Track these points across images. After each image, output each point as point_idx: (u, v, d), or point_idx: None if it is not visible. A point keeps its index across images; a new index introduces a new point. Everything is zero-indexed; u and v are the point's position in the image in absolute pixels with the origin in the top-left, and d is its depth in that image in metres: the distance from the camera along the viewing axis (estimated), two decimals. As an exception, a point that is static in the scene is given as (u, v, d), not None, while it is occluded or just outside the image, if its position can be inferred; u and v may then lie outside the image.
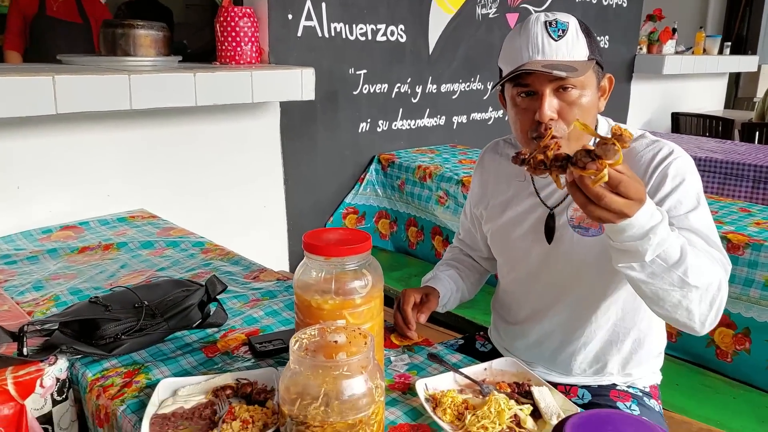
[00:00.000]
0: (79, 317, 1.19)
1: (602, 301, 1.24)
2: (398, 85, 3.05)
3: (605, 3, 4.11)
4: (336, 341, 0.98)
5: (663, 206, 1.08)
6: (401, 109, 3.10)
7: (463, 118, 3.43)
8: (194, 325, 1.27)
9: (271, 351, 1.21)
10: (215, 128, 2.38)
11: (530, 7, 3.59)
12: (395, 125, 3.10)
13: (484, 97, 3.50)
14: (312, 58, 2.60)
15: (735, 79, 6.40)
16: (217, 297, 1.33)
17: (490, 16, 3.39)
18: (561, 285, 1.27)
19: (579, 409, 0.96)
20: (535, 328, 1.34)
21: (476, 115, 3.49)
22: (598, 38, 4.15)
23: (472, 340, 1.53)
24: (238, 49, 2.32)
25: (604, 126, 1.25)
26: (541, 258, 1.27)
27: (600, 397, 1.28)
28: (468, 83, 3.38)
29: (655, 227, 0.91)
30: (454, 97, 3.33)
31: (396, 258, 2.91)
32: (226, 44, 2.32)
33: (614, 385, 1.30)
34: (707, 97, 5.72)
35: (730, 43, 5.67)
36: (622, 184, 0.85)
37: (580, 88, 1.11)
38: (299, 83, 2.29)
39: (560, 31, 1.10)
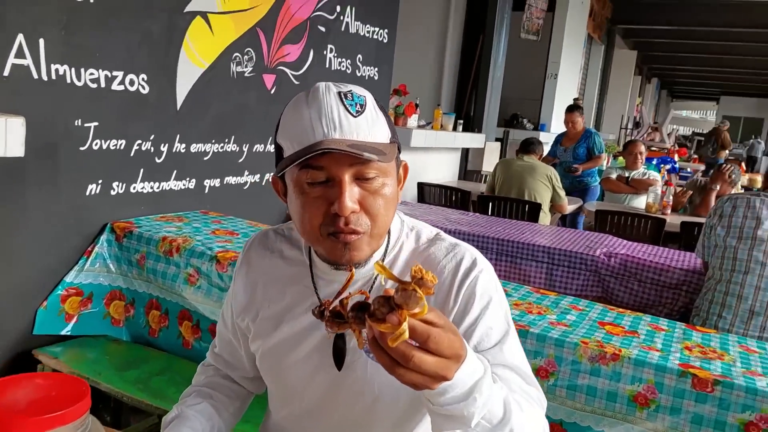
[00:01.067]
0: None
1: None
2: (139, 141, 2.61)
3: (359, 74, 4.18)
4: None
5: (472, 335, 0.94)
6: (142, 170, 2.66)
7: (216, 182, 3.09)
8: None
9: None
10: None
11: (287, 71, 3.45)
12: (134, 188, 2.64)
13: (240, 160, 3.22)
14: (23, 104, 2.06)
15: (465, 153, 7.09)
16: None
17: (246, 74, 3.15)
18: (351, 424, 1.02)
19: None
20: None
21: (231, 179, 3.18)
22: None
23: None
24: None
25: (396, 222, 1.06)
26: (327, 389, 1.02)
27: None
28: (222, 144, 3.07)
29: (479, 383, 0.74)
30: (206, 158, 2.99)
31: (133, 351, 2.40)
32: None
33: None
34: (445, 169, 6.21)
35: (462, 121, 6.29)
36: (432, 338, 0.67)
37: (383, 176, 0.94)
38: (2, 136, 1.76)
39: (358, 106, 0.92)
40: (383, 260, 1.03)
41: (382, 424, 1.01)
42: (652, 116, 21.21)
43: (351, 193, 0.91)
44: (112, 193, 2.54)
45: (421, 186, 5.25)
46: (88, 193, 2.43)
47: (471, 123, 7.08)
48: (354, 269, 0.86)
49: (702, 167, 11.10)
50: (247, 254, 1.14)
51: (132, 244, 2.46)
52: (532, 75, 9.17)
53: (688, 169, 10.43)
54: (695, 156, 13.82)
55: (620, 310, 2.16)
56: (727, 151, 12.83)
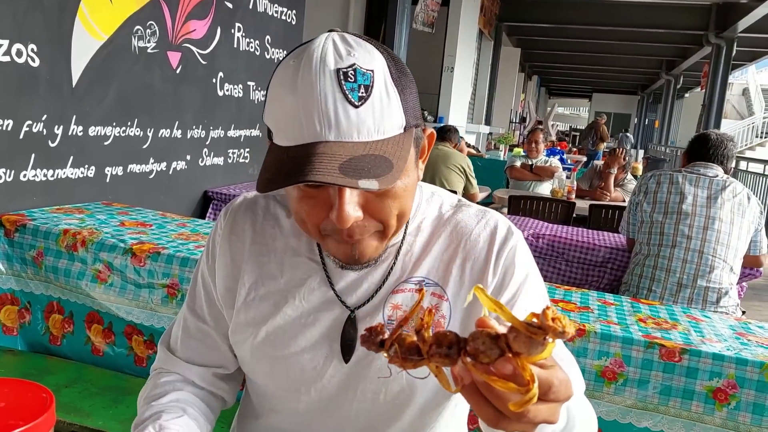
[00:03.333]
0: None
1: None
2: (29, 122, 2.27)
3: (268, 57, 3.95)
4: None
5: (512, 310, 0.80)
6: (34, 155, 2.31)
7: (119, 170, 2.77)
8: None
9: None
10: None
11: (194, 49, 3.18)
12: (24, 175, 2.29)
13: (144, 146, 2.91)
14: None
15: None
16: None
17: (149, 50, 2.85)
18: (368, 421, 0.87)
19: None
20: None
21: (135, 167, 2.87)
22: (263, 92, 3.95)
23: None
24: None
25: (415, 193, 0.88)
26: (338, 384, 0.85)
27: None
28: (124, 127, 2.75)
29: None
30: (106, 143, 2.67)
31: (31, 362, 2.06)
32: None
33: None
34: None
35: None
36: (553, 390, 0.54)
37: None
38: None
39: (362, 89, 0.70)
40: (404, 236, 0.88)
41: (404, 418, 0.86)
42: (536, 112, 22.29)
43: (351, 202, 0.73)
44: (-2, 181, 2.18)
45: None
46: (-32, 182, 2.07)
47: (374, 114, 7.02)
48: (424, 289, 0.69)
49: (584, 158, 11.73)
50: (232, 222, 0.93)
51: (26, 239, 2.13)
52: (430, 68, 9.26)
53: (569, 161, 10.98)
54: (575, 149, 14.63)
55: (566, 287, 2.14)
56: (605, 143, 13.66)
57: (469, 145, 8.94)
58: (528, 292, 0.86)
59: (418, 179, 0.83)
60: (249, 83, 3.80)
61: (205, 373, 0.96)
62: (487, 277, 0.85)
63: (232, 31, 3.52)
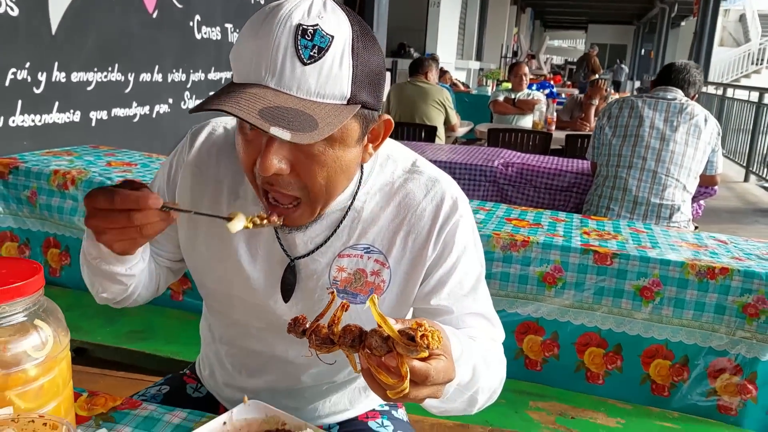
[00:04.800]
0: None
1: (346, 368, 1.04)
2: (13, 70, 2.38)
3: (253, 2, 4.01)
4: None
5: (447, 282, 0.94)
6: (20, 101, 2.44)
7: (104, 114, 2.90)
8: None
9: None
10: None
11: (170, -7, 3.25)
12: (13, 121, 2.42)
13: (126, 90, 3.03)
14: None
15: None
16: None
17: (126, -4, 2.93)
18: (296, 355, 1.01)
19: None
20: (270, 389, 1.06)
21: (118, 111, 2.99)
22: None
23: (181, 385, 1.18)
24: None
25: (370, 165, 0.95)
26: (275, 319, 0.97)
27: (351, 423, 1.10)
28: (105, 73, 2.86)
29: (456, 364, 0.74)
30: (89, 88, 2.78)
31: (33, 290, 2.27)
32: None
33: (366, 412, 1.13)
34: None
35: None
36: (430, 379, 0.66)
37: (329, 142, 0.79)
38: None
39: (315, 49, 0.72)
40: (353, 201, 0.93)
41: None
42: (528, 46, 22.03)
43: (278, 154, 0.77)
44: (-11, 127, 2.32)
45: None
46: (-40, 128, 2.21)
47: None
48: (335, 294, 0.75)
49: (576, 91, 11.75)
50: (197, 149, 0.98)
51: (20, 180, 2.28)
52: (416, 4, 9.19)
53: (563, 95, 11.00)
54: (569, 82, 14.59)
55: (523, 207, 2.31)
56: (597, 75, 13.62)
57: (456, 82, 8.98)
58: (464, 265, 0.94)
59: (361, 160, 0.87)
60: (227, 25, 3.87)
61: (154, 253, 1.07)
62: (427, 250, 0.92)
63: (208, -27, 3.57)
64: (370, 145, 0.88)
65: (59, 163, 2.35)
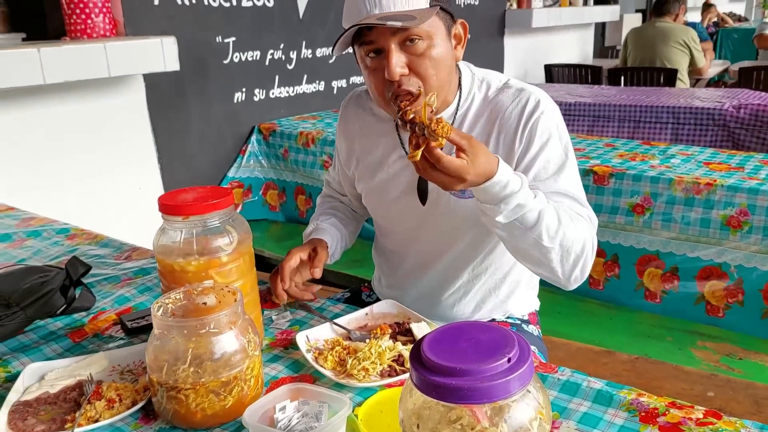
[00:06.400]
0: None
1: (479, 255, 1.27)
2: (271, 51, 2.96)
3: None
4: (205, 303, 0.94)
5: (532, 167, 1.12)
6: (277, 77, 3.02)
7: (343, 83, 3.39)
8: (58, 312, 1.18)
9: (144, 327, 1.15)
10: (73, 108, 2.21)
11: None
12: (273, 93, 3.02)
13: (362, 60, 3.48)
14: (173, 26, 2.47)
15: (601, 29, 6.75)
16: (83, 280, 1.24)
17: (359, -24, 3.35)
18: (439, 243, 1.27)
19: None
20: (415, 282, 1.35)
21: (356, 79, 3.47)
22: (468, -5, 4.23)
23: (358, 292, 1.52)
24: (89, 21, 2.16)
25: (467, 76, 1.21)
26: (418, 220, 1.26)
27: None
28: (344, 46, 3.34)
29: (510, 196, 0.97)
30: (331, 61, 3.29)
31: (288, 228, 2.87)
32: (74, 17, 2.15)
33: (493, 319, 1.34)
34: (576, 48, 6.02)
35: (593, -5, 5.97)
36: (441, 163, 0.91)
37: (427, 39, 1.06)
38: (160, 53, 2.17)
39: None
40: (456, 112, 1.19)
41: (461, 243, 1.24)
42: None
43: (398, 59, 1.04)
44: (255, 99, 2.94)
45: (549, 67, 5.18)
46: (235, 101, 2.85)
47: (606, -4, 6.69)
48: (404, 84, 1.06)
49: None
50: (344, 112, 1.34)
51: (276, 141, 2.87)
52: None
53: None
54: None
55: (735, 152, 2.18)
56: None
57: (724, 17, 7.95)
58: (549, 150, 1.12)
59: (455, 58, 1.13)
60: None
61: (345, 199, 1.48)
62: (515, 143, 1.14)
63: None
64: (458, 46, 1.14)
65: (305, 126, 2.88)
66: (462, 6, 4.20)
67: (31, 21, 2.79)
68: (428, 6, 1.05)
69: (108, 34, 2.21)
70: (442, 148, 0.92)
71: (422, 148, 0.92)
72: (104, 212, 2.32)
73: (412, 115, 0.97)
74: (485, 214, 1.02)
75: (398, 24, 1.00)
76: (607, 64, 5.28)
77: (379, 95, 1.12)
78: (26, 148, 2.11)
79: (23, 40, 2.11)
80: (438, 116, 0.92)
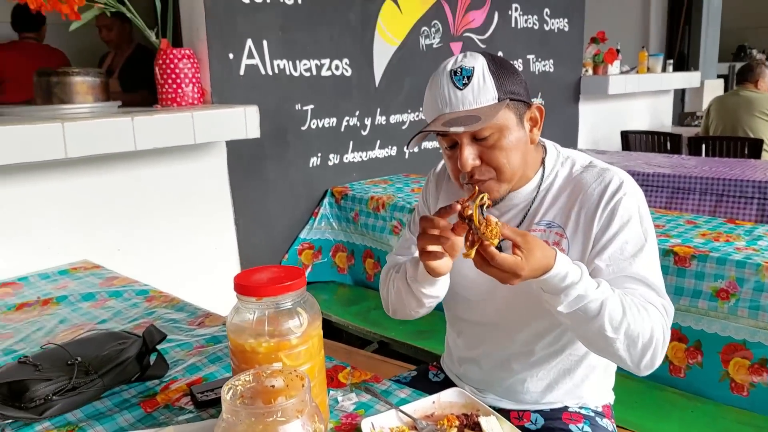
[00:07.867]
0: (6, 380, 1.13)
1: (555, 330, 1.23)
2: (347, 118, 3.05)
3: (547, 28, 4.22)
4: (273, 386, 0.95)
5: (608, 247, 1.12)
6: (351, 142, 3.10)
7: (415, 148, 3.44)
8: (133, 379, 1.22)
9: (213, 400, 1.16)
10: (159, 172, 2.34)
11: (473, 36, 3.66)
12: (346, 158, 3.09)
13: (435, 126, 3.53)
14: (256, 96, 2.59)
15: (681, 95, 6.61)
16: (157, 347, 1.28)
17: (434, 46, 3.44)
18: (514, 316, 1.25)
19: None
20: (487, 358, 1.32)
21: (427, 144, 3.51)
22: (543, 62, 4.25)
23: (426, 371, 1.49)
24: (179, 90, 2.30)
25: (552, 154, 1.24)
26: (490, 285, 1.22)
27: (553, 421, 1.26)
28: (417, 113, 3.41)
29: (569, 287, 1.00)
30: (404, 127, 3.35)
31: (355, 292, 2.87)
32: (166, 87, 2.30)
33: (566, 407, 1.28)
34: (654, 115, 5.89)
35: (672, 61, 5.87)
36: (495, 260, 0.96)
37: (497, 132, 1.11)
38: (243, 121, 2.27)
39: (465, 79, 1.09)
40: (539, 187, 1.21)
41: (535, 317, 1.21)
42: None
43: (469, 152, 1.10)
44: (329, 163, 3.02)
45: (625, 134, 5.08)
46: (311, 165, 2.93)
47: (685, 61, 6.57)
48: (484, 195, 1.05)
49: None
50: (438, 178, 1.40)
51: (348, 204, 2.92)
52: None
53: None
54: None
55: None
56: None
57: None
58: (626, 234, 1.11)
59: (528, 141, 1.16)
60: (528, 56, 4.14)
61: None
62: (594, 220, 1.14)
63: (509, 12, 3.90)
64: (534, 129, 1.18)
65: (376, 190, 2.93)
66: (537, 73, 4.22)
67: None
68: (497, 101, 1.10)
69: (196, 102, 2.35)
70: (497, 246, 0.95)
71: (476, 246, 0.97)
72: (181, 269, 2.41)
73: (470, 212, 0.99)
74: (547, 302, 1.03)
75: (461, 129, 1.06)
76: (688, 132, 5.13)
77: (454, 179, 1.18)
78: (113, 209, 2.23)
79: (119, 107, 2.26)
80: (487, 215, 0.98)
